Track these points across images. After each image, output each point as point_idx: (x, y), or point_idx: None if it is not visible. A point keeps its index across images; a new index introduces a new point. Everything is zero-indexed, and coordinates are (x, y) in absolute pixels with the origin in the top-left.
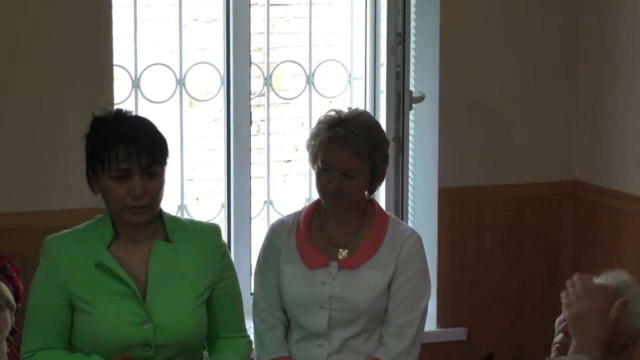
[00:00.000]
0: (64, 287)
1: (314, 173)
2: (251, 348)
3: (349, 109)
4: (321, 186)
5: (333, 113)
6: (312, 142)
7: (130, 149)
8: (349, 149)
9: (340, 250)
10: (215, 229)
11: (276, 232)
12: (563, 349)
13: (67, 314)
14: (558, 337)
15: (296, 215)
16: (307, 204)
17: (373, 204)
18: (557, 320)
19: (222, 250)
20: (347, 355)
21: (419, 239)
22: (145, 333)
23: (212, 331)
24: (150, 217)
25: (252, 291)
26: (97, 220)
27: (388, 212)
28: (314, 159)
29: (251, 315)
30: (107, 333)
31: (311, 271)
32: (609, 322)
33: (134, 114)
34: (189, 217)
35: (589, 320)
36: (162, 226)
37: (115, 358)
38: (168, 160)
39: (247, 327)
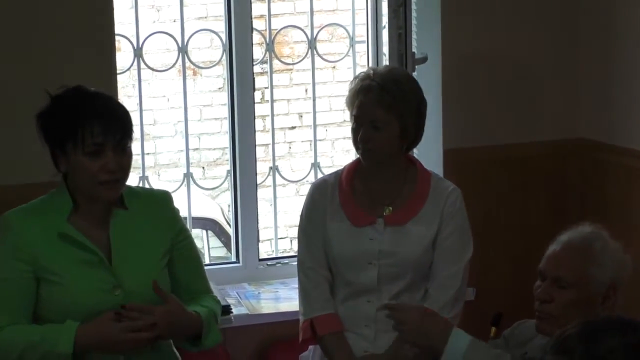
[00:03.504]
0: (29, 260)
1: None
2: (220, 306)
3: (387, 66)
4: (354, 140)
5: (369, 70)
6: (348, 97)
7: (104, 124)
8: (373, 99)
9: (385, 207)
10: (167, 195)
11: (319, 190)
12: (541, 315)
13: (32, 287)
14: (536, 305)
15: (338, 173)
16: (346, 164)
17: (414, 162)
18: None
19: (176, 215)
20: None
21: (461, 195)
22: (116, 299)
23: (179, 294)
24: (121, 191)
25: (297, 250)
26: (52, 194)
27: (430, 169)
28: (349, 111)
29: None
30: (79, 302)
31: (358, 228)
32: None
33: (93, 89)
34: (140, 186)
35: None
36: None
37: (106, 319)
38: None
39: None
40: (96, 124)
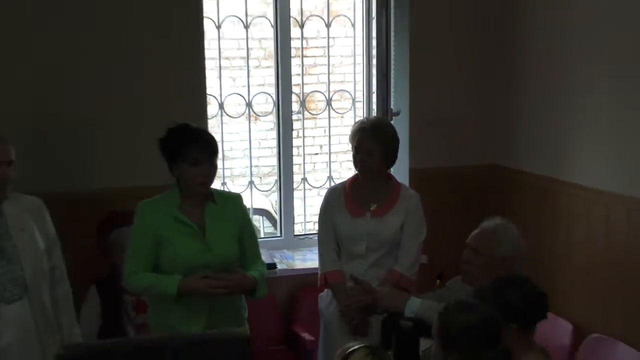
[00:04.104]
0: (153, 233)
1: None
2: (266, 266)
3: (375, 116)
4: (354, 161)
5: (363, 118)
6: (351, 135)
7: (201, 147)
8: (368, 136)
9: (372, 204)
10: (239, 196)
11: (332, 194)
12: (464, 271)
13: (155, 250)
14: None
15: (343, 183)
16: (347, 177)
17: (391, 177)
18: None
19: (244, 209)
20: (376, 269)
21: (419, 198)
22: (206, 258)
23: (245, 256)
24: (209, 190)
25: (317, 230)
26: (167, 193)
27: (401, 182)
28: (351, 144)
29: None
30: (183, 259)
31: (354, 218)
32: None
33: (195, 126)
34: (223, 189)
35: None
36: (210, 194)
37: (198, 277)
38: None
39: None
40: (195, 146)
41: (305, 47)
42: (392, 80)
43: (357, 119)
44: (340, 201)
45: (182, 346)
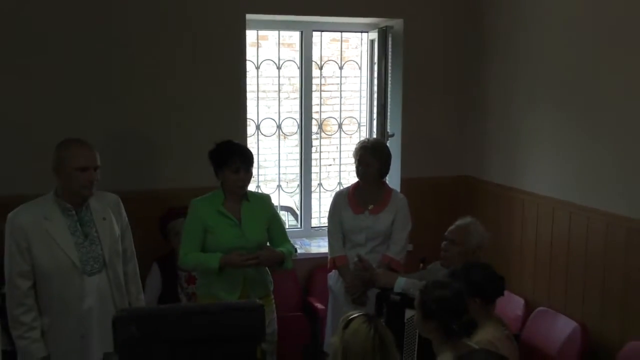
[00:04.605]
0: (202, 222)
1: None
2: (294, 247)
3: (374, 138)
4: (357, 171)
5: (365, 139)
6: (354, 152)
7: (241, 157)
8: (368, 152)
9: (370, 205)
10: (268, 196)
11: (339, 196)
12: (443, 257)
13: (203, 236)
14: (442, 252)
15: (347, 188)
16: (351, 183)
17: (384, 184)
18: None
19: (272, 206)
20: (373, 255)
21: (406, 200)
22: (242, 242)
23: (275, 241)
24: (245, 191)
25: (327, 223)
26: (214, 192)
27: (393, 187)
28: (355, 158)
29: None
30: (223, 242)
31: (355, 215)
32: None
33: (237, 142)
34: (257, 191)
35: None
36: (244, 194)
37: (235, 254)
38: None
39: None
40: (237, 157)
41: (323, 84)
42: (389, 110)
43: (361, 139)
44: (345, 202)
45: (215, 311)
